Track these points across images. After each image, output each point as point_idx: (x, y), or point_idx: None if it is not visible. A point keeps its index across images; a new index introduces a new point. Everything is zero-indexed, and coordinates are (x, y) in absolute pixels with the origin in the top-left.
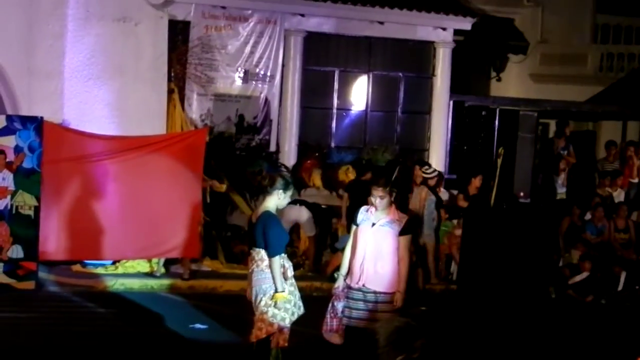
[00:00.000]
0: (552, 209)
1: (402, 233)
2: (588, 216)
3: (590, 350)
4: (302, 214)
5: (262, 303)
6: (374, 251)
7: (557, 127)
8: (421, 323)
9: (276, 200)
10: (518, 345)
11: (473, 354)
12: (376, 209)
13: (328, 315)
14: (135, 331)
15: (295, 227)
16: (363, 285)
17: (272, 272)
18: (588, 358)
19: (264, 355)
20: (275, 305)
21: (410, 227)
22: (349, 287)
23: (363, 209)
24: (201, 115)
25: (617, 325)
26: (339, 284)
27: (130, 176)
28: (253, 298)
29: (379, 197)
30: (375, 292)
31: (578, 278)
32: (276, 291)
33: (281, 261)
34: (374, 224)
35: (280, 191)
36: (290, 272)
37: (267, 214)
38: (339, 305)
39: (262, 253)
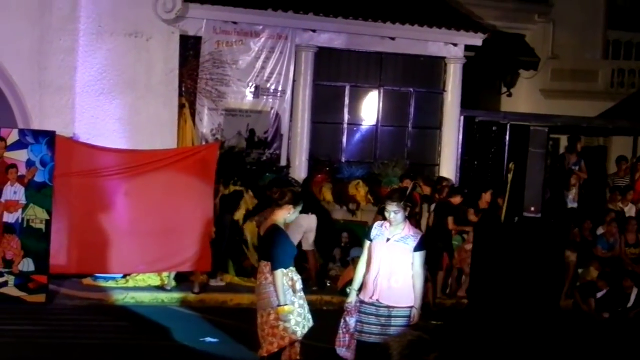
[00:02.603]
0: (562, 223)
1: (417, 249)
2: (600, 231)
3: None
4: (312, 223)
5: (273, 317)
6: (388, 266)
7: (568, 142)
8: (434, 337)
9: (286, 214)
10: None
11: None
12: (391, 224)
13: (341, 331)
14: (146, 345)
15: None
16: (377, 300)
17: (275, 285)
18: None
19: None
20: (281, 319)
21: (425, 244)
22: (361, 302)
23: (377, 224)
24: (212, 130)
25: (626, 341)
26: (352, 299)
27: (141, 190)
28: (261, 312)
29: (393, 212)
30: (388, 307)
31: (599, 295)
32: (279, 305)
33: (290, 274)
34: (388, 240)
35: (291, 206)
36: (299, 286)
37: (275, 227)
38: (352, 321)
39: (270, 266)
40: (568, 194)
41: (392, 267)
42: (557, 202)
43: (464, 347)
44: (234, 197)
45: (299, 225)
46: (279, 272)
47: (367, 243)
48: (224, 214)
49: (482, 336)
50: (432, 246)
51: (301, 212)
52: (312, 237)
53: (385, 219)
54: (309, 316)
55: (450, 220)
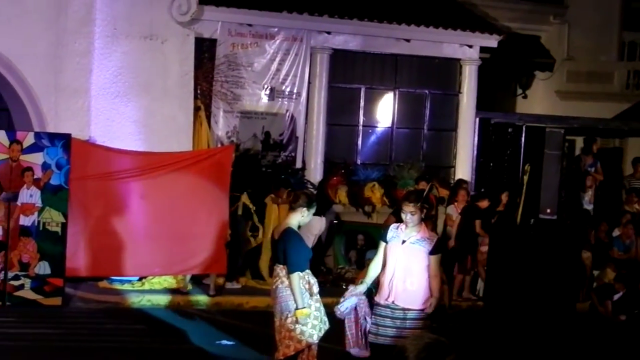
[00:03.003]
0: (578, 225)
1: (433, 252)
2: (616, 232)
3: None
4: (323, 226)
5: (289, 320)
6: (404, 268)
7: (584, 143)
8: (451, 339)
9: (299, 217)
10: None
11: None
12: (407, 225)
13: (348, 332)
14: (161, 347)
15: None
16: (392, 302)
17: (291, 288)
18: None
19: None
20: (299, 322)
21: (441, 246)
22: (377, 305)
23: (393, 226)
24: (227, 132)
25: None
26: (361, 288)
27: (157, 192)
28: (278, 315)
29: (409, 213)
30: (404, 309)
31: (615, 297)
32: (297, 308)
33: (306, 277)
34: (404, 241)
35: (304, 209)
36: (315, 289)
37: (289, 230)
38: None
39: (286, 270)
40: (584, 195)
41: (408, 269)
42: (573, 204)
43: (480, 349)
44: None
45: (311, 227)
46: (296, 276)
47: (382, 244)
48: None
49: (498, 338)
50: (457, 248)
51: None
52: (314, 239)
53: (399, 220)
54: (325, 319)
55: (478, 223)
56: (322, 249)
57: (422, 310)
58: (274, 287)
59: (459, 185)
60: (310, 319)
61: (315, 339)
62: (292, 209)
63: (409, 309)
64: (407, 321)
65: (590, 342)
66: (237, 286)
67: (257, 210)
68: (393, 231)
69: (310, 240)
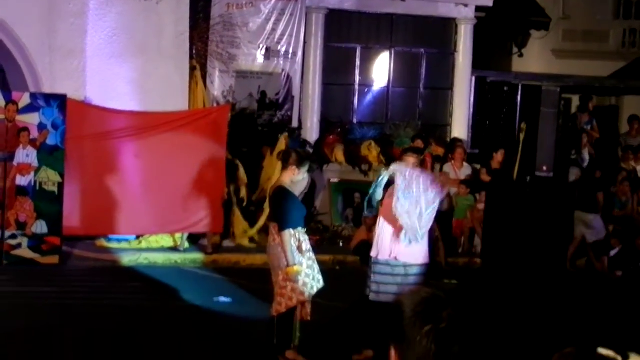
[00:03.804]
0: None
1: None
2: (612, 190)
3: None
4: (307, 183)
5: (281, 277)
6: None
7: (580, 102)
8: (447, 294)
9: (291, 175)
10: (540, 318)
11: (498, 325)
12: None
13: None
14: (159, 305)
15: None
16: (394, 259)
17: (282, 246)
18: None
19: (287, 328)
20: (290, 280)
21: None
22: (374, 263)
23: (402, 172)
24: (223, 92)
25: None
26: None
27: (153, 152)
28: (273, 271)
29: (412, 165)
30: (405, 265)
31: (612, 253)
32: (287, 265)
33: (297, 235)
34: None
35: (295, 167)
36: (305, 246)
37: (279, 189)
38: None
39: (277, 227)
40: (582, 153)
41: None
42: (569, 162)
43: (477, 305)
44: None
45: (298, 184)
46: (286, 233)
47: (381, 193)
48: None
49: (495, 294)
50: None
51: None
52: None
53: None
54: (319, 277)
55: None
56: (309, 206)
57: (423, 265)
58: (268, 244)
59: (455, 143)
60: (302, 276)
61: (306, 296)
62: (284, 167)
63: (411, 265)
64: (410, 277)
65: (586, 298)
66: (234, 244)
67: (253, 165)
68: (403, 178)
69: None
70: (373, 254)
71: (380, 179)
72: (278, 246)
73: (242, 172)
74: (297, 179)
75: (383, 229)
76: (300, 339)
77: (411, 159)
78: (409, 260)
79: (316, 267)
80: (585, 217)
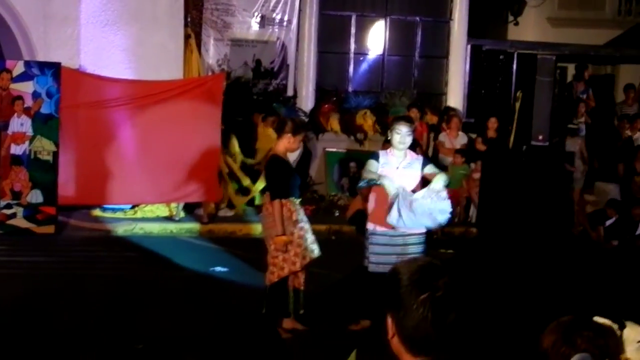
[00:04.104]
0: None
1: (424, 164)
2: None
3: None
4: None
5: (272, 247)
6: (403, 194)
7: (576, 70)
8: (444, 263)
9: (286, 144)
10: (536, 287)
11: (494, 294)
12: (398, 146)
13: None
14: (155, 275)
15: None
16: (391, 229)
17: (274, 215)
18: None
19: (279, 297)
20: (279, 249)
21: (428, 158)
22: (372, 234)
23: (382, 152)
24: (218, 60)
25: (634, 269)
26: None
27: (148, 121)
28: (266, 241)
29: (405, 134)
30: (403, 235)
31: (607, 223)
32: (277, 235)
33: (289, 205)
34: (397, 168)
35: (290, 135)
36: (296, 216)
37: (273, 158)
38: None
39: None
40: (577, 122)
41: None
42: (566, 131)
43: (472, 274)
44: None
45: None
46: (276, 203)
47: (376, 163)
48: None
49: (491, 263)
50: None
51: None
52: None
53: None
54: (313, 247)
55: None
56: (304, 176)
57: (421, 234)
58: (262, 214)
59: (448, 112)
60: (293, 246)
61: (297, 266)
62: (279, 136)
63: (409, 234)
64: (408, 247)
65: (582, 267)
66: (230, 214)
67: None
68: (384, 157)
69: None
70: (370, 225)
71: (371, 181)
72: (270, 215)
73: (233, 142)
74: (292, 148)
75: (379, 200)
76: (303, 307)
77: (403, 128)
78: (407, 230)
79: (310, 237)
80: (606, 187)
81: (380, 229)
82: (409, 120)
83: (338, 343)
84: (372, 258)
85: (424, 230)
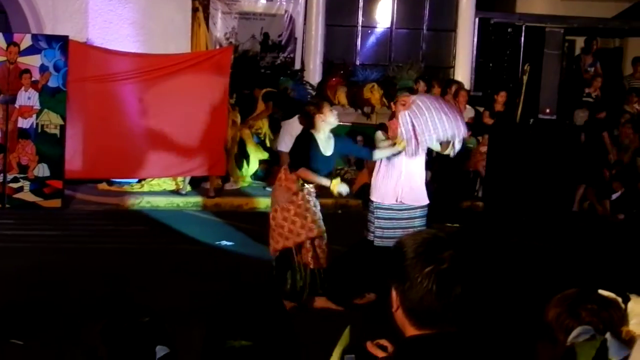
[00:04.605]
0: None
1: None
2: (615, 133)
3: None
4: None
5: (280, 217)
6: (407, 168)
7: (585, 43)
8: (449, 236)
9: (320, 123)
10: (542, 260)
11: (499, 268)
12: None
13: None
14: (161, 248)
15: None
16: (400, 202)
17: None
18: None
19: (285, 268)
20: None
21: None
22: (377, 208)
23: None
24: (226, 33)
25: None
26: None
27: (155, 95)
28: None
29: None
30: (408, 209)
31: (614, 197)
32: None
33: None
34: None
35: (325, 108)
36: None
37: (304, 131)
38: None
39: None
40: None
41: (411, 169)
42: (576, 104)
43: (478, 247)
44: None
45: (291, 127)
46: (301, 171)
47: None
48: None
49: (497, 237)
50: None
51: (294, 115)
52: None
53: None
54: (320, 222)
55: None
56: None
57: (426, 206)
58: (274, 185)
59: (450, 85)
60: (299, 217)
61: (303, 237)
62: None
63: (416, 207)
64: (415, 220)
65: (587, 241)
66: (236, 186)
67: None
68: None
69: (290, 141)
70: (375, 198)
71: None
72: (280, 186)
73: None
74: (332, 123)
75: (385, 173)
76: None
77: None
78: (413, 203)
79: (318, 212)
80: None
81: (386, 202)
82: (411, 92)
83: (343, 316)
84: (377, 232)
85: (427, 202)
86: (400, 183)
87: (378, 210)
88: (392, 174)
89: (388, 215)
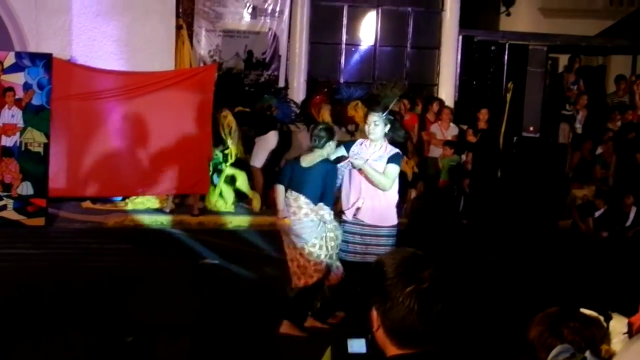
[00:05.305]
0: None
1: (389, 161)
2: (599, 150)
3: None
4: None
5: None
6: (370, 186)
7: (568, 61)
8: (427, 253)
9: (328, 150)
10: (524, 278)
11: (482, 285)
12: (369, 136)
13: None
14: (145, 266)
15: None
16: (361, 220)
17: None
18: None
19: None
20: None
21: (399, 158)
22: (344, 221)
23: (358, 142)
24: (210, 51)
25: (625, 260)
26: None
27: (139, 112)
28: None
29: (373, 123)
30: (374, 227)
31: (597, 214)
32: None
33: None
34: (366, 160)
35: (331, 142)
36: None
37: (326, 162)
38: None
39: (302, 200)
40: (576, 115)
41: (373, 187)
42: (559, 119)
43: (461, 266)
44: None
45: (266, 142)
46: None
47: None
48: None
49: (479, 255)
50: None
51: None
52: (268, 155)
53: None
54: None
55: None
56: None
57: (392, 227)
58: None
59: (431, 102)
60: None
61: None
62: (320, 147)
63: (380, 227)
64: (379, 238)
65: (572, 259)
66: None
67: None
68: (357, 147)
69: (264, 157)
70: (343, 214)
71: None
72: (300, 221)
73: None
74: (335, 153)
75: (347, 190)
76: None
77: (371, 117)
78: (376, 222)
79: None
80: None
81: (352, 218)
82: (378, 110)
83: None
84: (341, 246)
85: (394, 223)
86: (358, 202)
87: (345, 224)
88: (354, 191)
89: (353, 230)
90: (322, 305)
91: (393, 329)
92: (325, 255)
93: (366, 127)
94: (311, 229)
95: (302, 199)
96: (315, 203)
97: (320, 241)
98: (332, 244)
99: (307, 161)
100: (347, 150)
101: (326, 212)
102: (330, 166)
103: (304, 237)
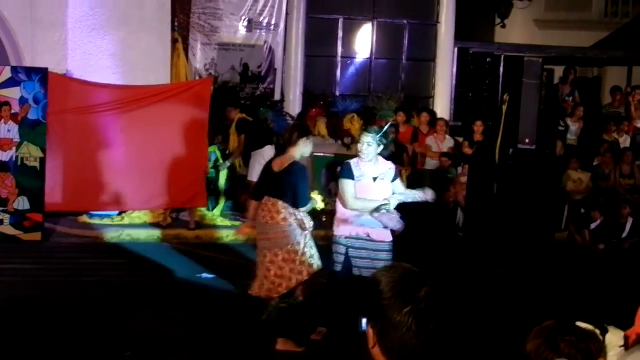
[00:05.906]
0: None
1: (394, 179)
2: (595, 162)
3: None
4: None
5: (281, 258)
6: (377, 203)
7: (563, 73)
8: (426, 270)
9: (302, 149)
10: (521, 291)
11: (477, 300)
12: (361, 156)
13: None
14: (142, 281)
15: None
16: (367, 235)
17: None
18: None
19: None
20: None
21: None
22: (347, 237)
23: (353, 164)
24: (205, 65)
25: (621, 272)
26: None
27: (135, 126)
28: (265, 251)
29: (366, 144)
30: (377, 242)
31: (593, 226)
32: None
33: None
34: (375, 179)
35: (305, 138)
36: (308, 224)
37: (297, 165)
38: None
39: (280, 204)
40: (571, 126)
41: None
42: (555, 134)
43: (456, 281)
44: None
45: (263, 157)
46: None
47: (351, 182)
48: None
49: (475, 268)
50: None
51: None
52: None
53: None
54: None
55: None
56: None
57: (390, 242)
58: (263, 222)
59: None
60: (298, 255)
61: (305, 275)
62: (292, 144)
63: (382, 242)
64: (379, 253)
65: (568, 271)
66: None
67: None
68: (358, 169)
69: (259, 169)
70: (346, 232)
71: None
72: (277, 225)
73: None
74: (306, 153)
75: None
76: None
77: (364, 138)
78: (381, 238)
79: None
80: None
81: (356, 234)
82: (372, 132)
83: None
84: (343, 261)
85: (391, 239)
86: (355, 218)
87: (348, 239)
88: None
89: (361, 246)
90: (302, 321)
91: (390, 348)
92: (303, 262)
93: (359, 146)
94: (291, 233)
95: (280, 204)
96: (293, 206)
97: (297, 246)
98: (312, 251)
99: (278, 165)
100: (349, 173)
101: (306, 219)
102: (299, 166)
103: (284, 241)
